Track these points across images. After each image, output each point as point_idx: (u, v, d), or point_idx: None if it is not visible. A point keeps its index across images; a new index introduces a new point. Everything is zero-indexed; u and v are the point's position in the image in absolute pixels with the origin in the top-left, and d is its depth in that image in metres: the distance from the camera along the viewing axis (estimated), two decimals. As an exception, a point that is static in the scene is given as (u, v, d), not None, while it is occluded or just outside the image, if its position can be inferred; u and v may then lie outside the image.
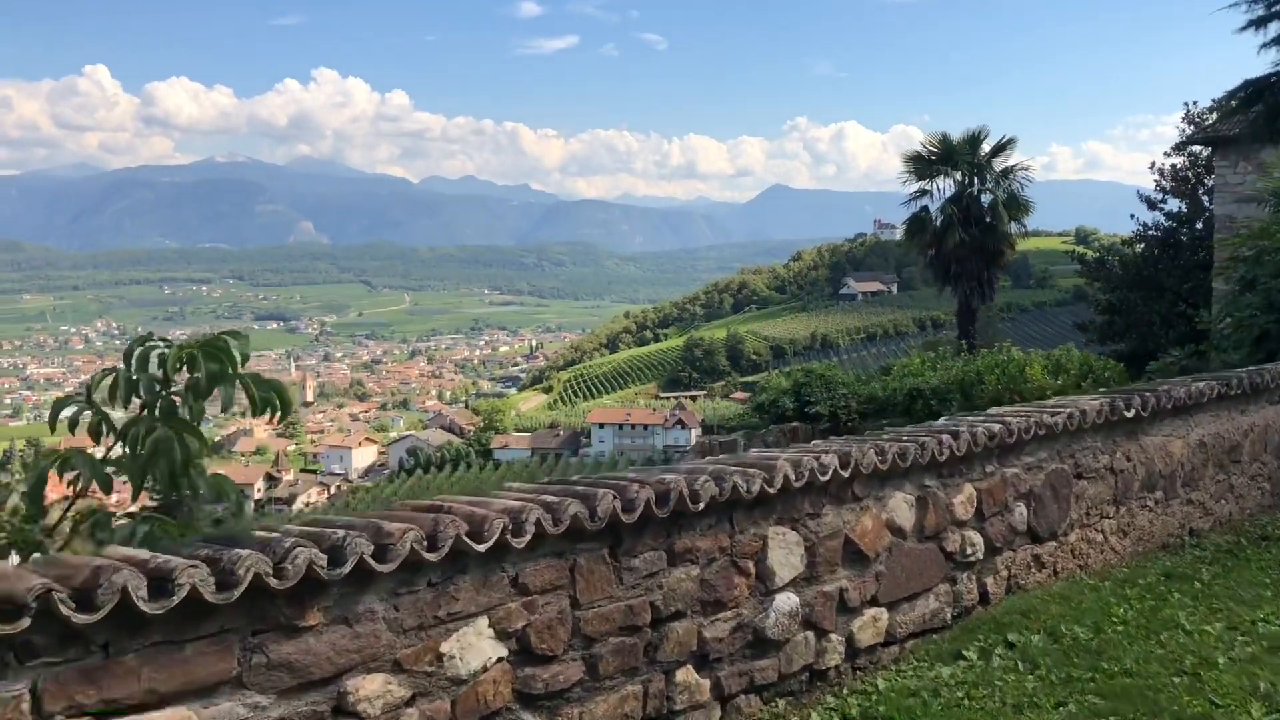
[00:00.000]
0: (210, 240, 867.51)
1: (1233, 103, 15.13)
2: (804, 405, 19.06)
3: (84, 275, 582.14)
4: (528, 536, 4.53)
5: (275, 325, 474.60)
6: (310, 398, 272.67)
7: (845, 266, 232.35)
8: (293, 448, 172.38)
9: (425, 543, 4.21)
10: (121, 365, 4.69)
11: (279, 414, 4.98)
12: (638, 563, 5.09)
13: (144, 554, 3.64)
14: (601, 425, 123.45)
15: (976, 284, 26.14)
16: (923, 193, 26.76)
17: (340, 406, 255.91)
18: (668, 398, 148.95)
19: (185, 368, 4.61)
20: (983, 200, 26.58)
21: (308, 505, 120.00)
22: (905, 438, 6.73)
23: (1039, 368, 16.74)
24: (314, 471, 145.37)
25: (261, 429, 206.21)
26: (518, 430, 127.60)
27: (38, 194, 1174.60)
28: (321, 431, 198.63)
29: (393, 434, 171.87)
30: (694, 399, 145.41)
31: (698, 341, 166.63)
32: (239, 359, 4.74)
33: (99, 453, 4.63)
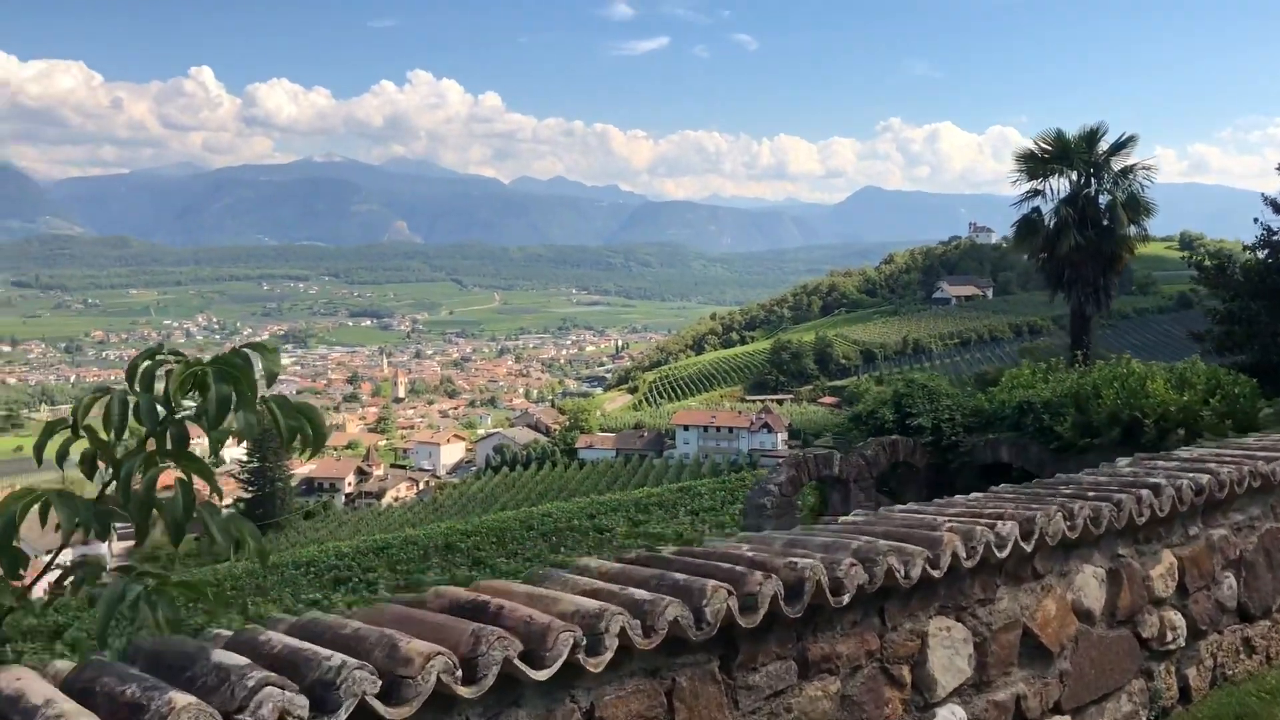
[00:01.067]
0: (307, 238, 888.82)
1: None
2: (905, 417, 17.56)
3: (187, 271, 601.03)
4: (607, 654, 3.17)
5: (369, 322, 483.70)
6: (401, 394, 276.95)
7: (939, 270, 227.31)
8: (384, 443, 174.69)
9: (459, 671, 2.89)
10: (126, 383, 3.41)
11: (310, 447, 3.64)
12: (758, 679, 3.69)
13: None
14: (686, 427, 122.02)
15: (1091, 290, 24.17)
16: (1035, 193, 24.89)
17: (430, 403, 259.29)
18: (754, 401, 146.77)
19: (196, 389, 3.34)
20: (1100, 201, 24.65)
21: (396, 500, 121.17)
22: (1090, 491, 5.24)
23: (1161, 382, 14.93)
24: (404, 467, 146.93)
25: (354, 424, 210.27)
26: (602, 430, 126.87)
27: (145, 192, 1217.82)
28: (412, 427, 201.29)
29: (480, 431, 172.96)
30: (780, 403, 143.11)
31: (785, 344, 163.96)
32: (264, 377, 3.44)
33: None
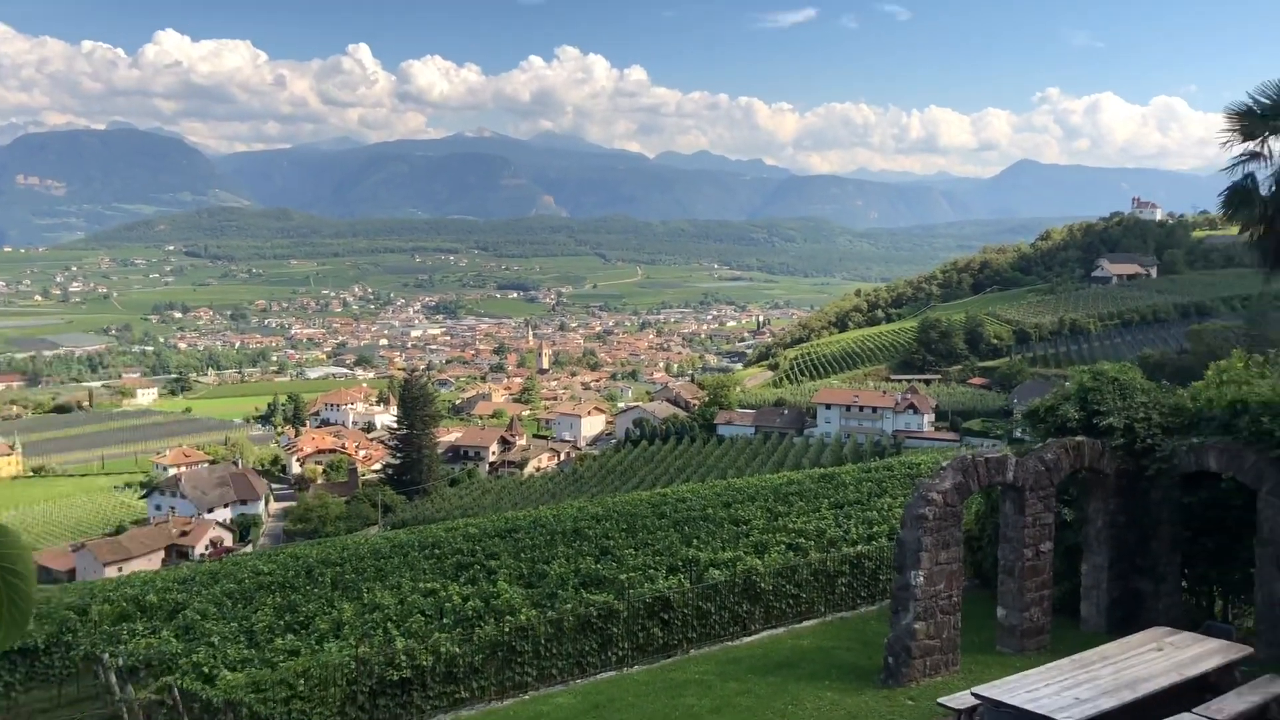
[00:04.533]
0: (458, 212, 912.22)
1: None
2: (1092, 415, 15.34)
3: (344, 243, 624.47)
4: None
5: (515, 295, 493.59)
6: (545, 365, 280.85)
7: (1098, 247, 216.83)
8: (527, 413, 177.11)
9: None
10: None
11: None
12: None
13: None
14: (828, 406, 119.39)
15: None
16: (1252, 155, 21.55)
17: (573, 375, 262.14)
18: (899, 380, 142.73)
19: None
20: (1334, 166, 21.21)
21: (538, 470, 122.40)
22: None
23: None
24: (545, 437, 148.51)
25: (499, 394, 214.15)
26: (742, 407, 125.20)
27: (305, 166, 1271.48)
28: (555, 399, 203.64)
29: (620, 404, 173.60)
30: (927, 383, 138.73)
31: (933, 323, 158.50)
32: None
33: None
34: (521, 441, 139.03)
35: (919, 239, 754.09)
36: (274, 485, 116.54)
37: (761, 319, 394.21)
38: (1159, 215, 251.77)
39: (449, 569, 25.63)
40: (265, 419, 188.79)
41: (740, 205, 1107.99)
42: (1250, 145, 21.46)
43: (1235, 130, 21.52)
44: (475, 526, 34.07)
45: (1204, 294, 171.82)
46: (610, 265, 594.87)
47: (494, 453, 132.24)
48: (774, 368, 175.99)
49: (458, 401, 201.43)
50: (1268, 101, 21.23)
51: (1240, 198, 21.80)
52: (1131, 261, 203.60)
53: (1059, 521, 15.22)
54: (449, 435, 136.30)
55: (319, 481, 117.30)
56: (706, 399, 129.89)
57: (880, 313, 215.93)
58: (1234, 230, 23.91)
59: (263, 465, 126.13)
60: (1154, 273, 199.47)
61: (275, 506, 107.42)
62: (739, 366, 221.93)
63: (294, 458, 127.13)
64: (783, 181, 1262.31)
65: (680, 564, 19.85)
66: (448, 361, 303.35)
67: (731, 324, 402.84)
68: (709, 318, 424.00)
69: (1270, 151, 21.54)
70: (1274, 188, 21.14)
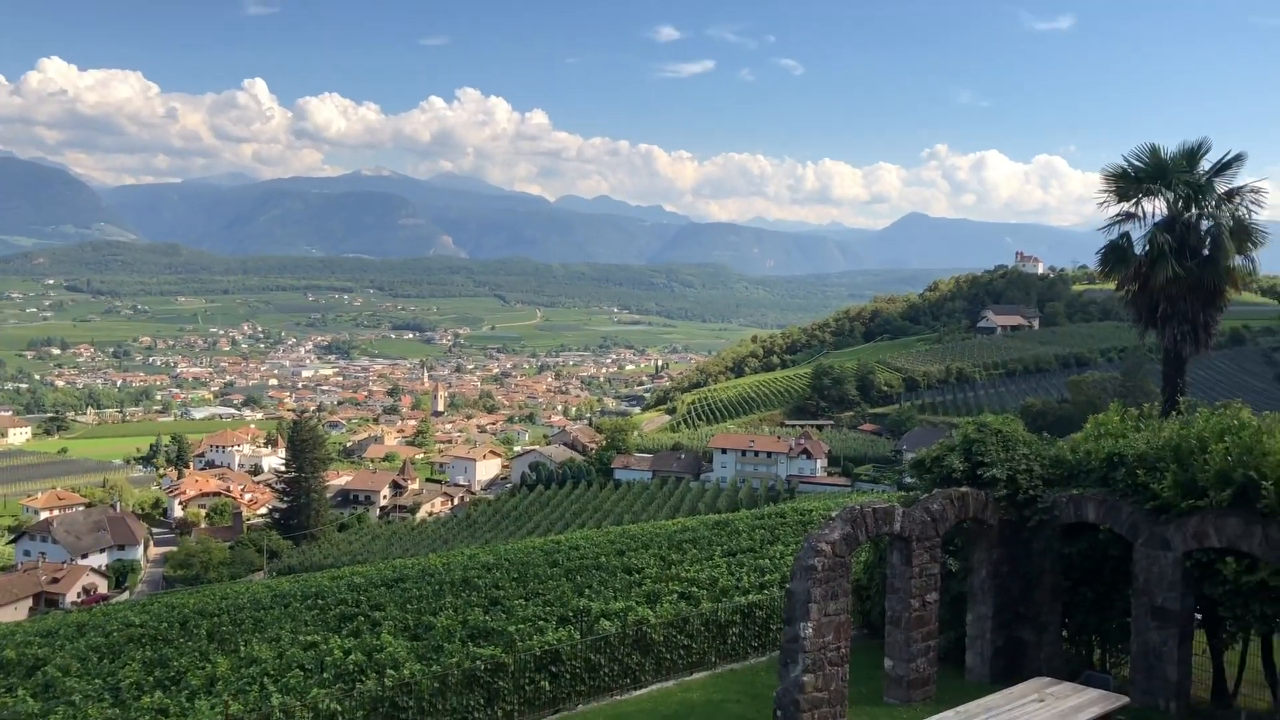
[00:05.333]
0: (354, 250, 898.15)
1: None
2: (976, 467, 15.59)
3: (234, 280, 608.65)
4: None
5: (411, 335, 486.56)
6: (441, 407, 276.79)
7: (984, 299, 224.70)
8: (420, 456, 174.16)
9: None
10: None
11: None
12: None
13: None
14: (724, 450, 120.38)
15: (1189, 328, 21.51)
16: (1127, 216, 22.43)
17: (469, 418, 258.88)
18: (794, 425, 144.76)
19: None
20: (1201, 227, 22.04)
21: (430, 514, 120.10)
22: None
23: (1281, 438, 12.93)
24: (439, 481, 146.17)
25: (392, 436, 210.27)
26: (640, 451, 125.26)
27: (196, 201, 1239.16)
28: (449, 441, 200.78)
29: (517, 448, 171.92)
30: (820, 428, 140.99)
31: (827, 370, 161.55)
32: None
33: None
34: (414, 485, 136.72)
35: (813, 287, 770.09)
36: (154, 529, 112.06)
37: (660, 363, 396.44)
38: (1041, 269, 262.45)
39: (332, 620, 24.71)
40: (147, 460, 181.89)
41: (640, 250, 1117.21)
42: (1125, 206, 22.51)
43: (1111, 191, 22.54)
44: (361, 575, 33.09)
45: (1083, 345, 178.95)
46: (509, 307, 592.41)
47: (385, 497, 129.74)
48: (672, 412, 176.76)
49: (349, 444, 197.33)
50: (1141, 165, 22.28)
51: (1116, 256, 22.77)
52: (1015, 313, 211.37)
53: (945, 571, 15.40)
54: (339, 479, 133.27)
55: (202, 526, 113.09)
56: (604, 443, 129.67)
57: (776, 359, 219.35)
58: (1111, 285, 24.87)
59: (143, 508, 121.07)
60: (1036, 324, 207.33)
61: (155, 551, 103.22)
62: (637, 410, 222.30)
63: (176, 501, 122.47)
64: (682, 228, 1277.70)
65: (571, 614, 19.50)
66: (339, 403, 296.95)
67: (630, 368, 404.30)
68: (608, 361, 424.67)
69: (1144, 212, 22.61)
70: (1147, 247, 22.15)
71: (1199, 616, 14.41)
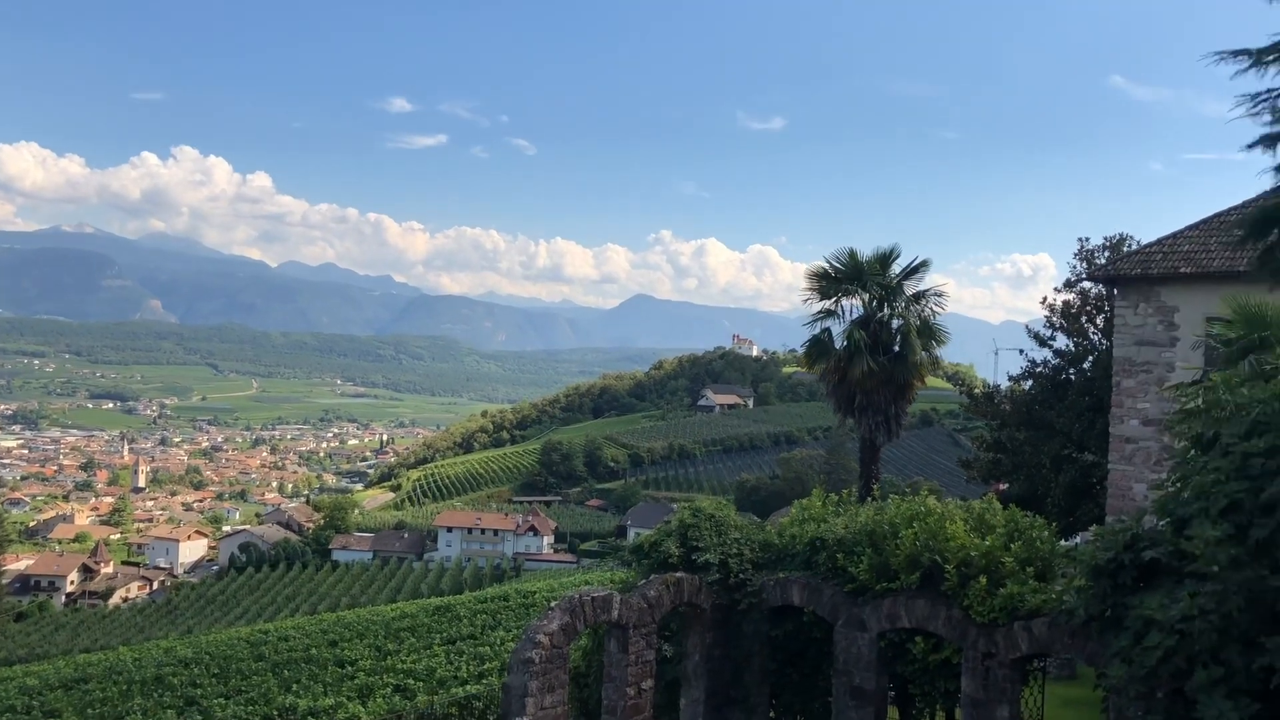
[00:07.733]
0: (49, 312, 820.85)
1: (1237, 231, 12.93)
2: (691, 552, 15.95)
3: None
4: None
5: (111, 405, 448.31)
6: (142, 483, 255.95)
7: (704, 378, 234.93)
8: (116, 536, 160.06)
9: None
10: None
11: None
12: None
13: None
14: (450, 529, 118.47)
15: (882, 419, 23.42)
16: (828, 313, 24.24)
17: (173, 494, 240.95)
18: (522, 501, 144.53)
19: None
20: (893, 325, 24.23)
21: (125, 601, 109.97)
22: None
23: (961, 523, 14.16)
24: (137, 564, 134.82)
25: (84, 515, 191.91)
26: (360, 530, 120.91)
27: None
28: (150, 520, 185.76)
29: (226, 528, 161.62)
30: (549, 504, 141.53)
31: (556, 445, 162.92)
32: None
33: None
34: (108, 569, 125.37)
35: (544, 363, 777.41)
36: None
37: (385, 438, 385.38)
38: (755, 351, 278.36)
39: (-7, 734, 21.89)
40: None
41: (368, 320, 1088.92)
42: (827, 304, 24.38)
43: (815, 290, 24.35)
44: (37, 676, 29.61)
45: (793, 424, 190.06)
46: (222, 376, 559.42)
47: (73, 582, 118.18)
48: (396, 489, 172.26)
49: (33, 524, 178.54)
50: (840, 266, 24.21)
51: (819, 349, 24.50)
52: (732, 392, 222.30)
53: (660, 657, 15.54)
54: (18, 563, 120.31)
55: None
56: (322, 522, 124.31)
57: (505, 434, 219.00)
58: (816, 372, 26.62)
59: None
60: (751, 403, 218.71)
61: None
62: (360, 487, 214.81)
63: None
64: (412, 299, 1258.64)
65: (276, 714, 18.18)
66: (23, 478, 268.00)
67: (354, 442, 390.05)
68: (329, 435, 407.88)
69: (843, 309, 24.57)
70: (845, 342, 23.98)
71: (893, 694, 15.27)
